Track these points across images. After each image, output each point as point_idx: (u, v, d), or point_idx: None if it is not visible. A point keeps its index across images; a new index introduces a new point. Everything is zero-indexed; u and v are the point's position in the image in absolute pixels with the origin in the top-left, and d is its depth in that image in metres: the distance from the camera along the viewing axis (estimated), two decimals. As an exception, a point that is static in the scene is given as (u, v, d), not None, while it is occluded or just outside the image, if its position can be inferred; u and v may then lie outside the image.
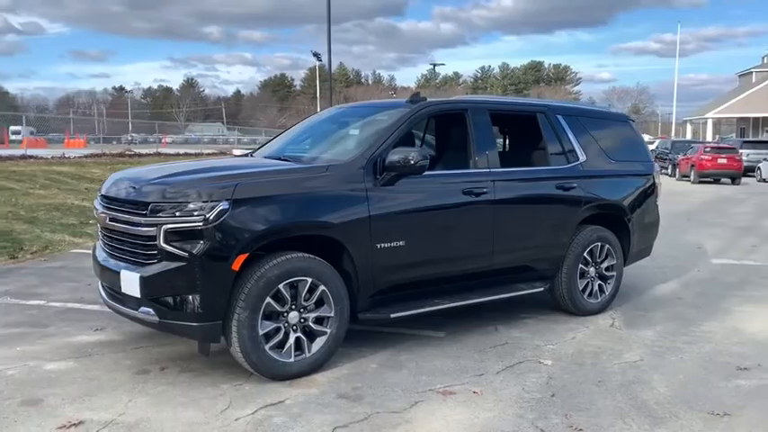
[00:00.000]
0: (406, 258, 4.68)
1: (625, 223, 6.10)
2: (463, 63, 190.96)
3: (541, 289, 5.57)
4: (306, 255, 4.21)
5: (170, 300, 3.94)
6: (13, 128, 37.27)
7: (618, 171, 6.10)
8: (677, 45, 61.88)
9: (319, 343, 4.32)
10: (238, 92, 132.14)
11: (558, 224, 5.59)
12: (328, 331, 4.34)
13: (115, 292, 4.29)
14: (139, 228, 4.02)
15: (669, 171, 29.76)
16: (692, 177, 25.72)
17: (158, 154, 25.00)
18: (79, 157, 20.45)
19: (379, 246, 4.51)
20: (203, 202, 3.91)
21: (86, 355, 4.62)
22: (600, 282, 5.97)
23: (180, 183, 4.09)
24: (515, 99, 5.97)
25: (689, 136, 53.88)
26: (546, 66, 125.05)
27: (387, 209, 4.55)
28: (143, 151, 28.63)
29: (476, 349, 4.93)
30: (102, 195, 4.56)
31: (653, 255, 6.94)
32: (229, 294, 3.95)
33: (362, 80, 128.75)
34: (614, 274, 6.04)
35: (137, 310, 4.06)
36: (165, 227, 3.90)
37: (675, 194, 19.62)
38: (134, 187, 4.19)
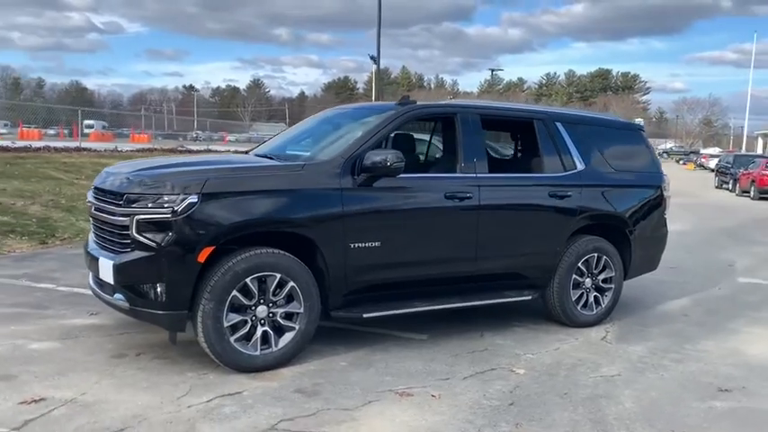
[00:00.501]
0: (382, 259, 4.72)
1: (626, 235, 5.95)
2: (529, 69, 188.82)
3: (529, 297, 5.49)
4: (275, 251, 4.31)
5: (139, 288, 4.11)
6: (86, 122, 39.06)
7: (621, 181, 5.95)
8: (752, 55, 59.37)
9: (287, 338, 4.41)
10: (302, 93, 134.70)
11: (550, 232, 5.51)
12: (297, 327, 4.43)
13: (98, 279, 4.50)
14: (115, 217, 4.21)
15: (730, 186, 28.55)
16: (751, 193, 24.60)
17: (209, 150, 25.72)
18: (131, 152, 21.24)
19: (352, 245, 4.56)
20: (174, 194, 4.07)
21: (73, 336, 4.85)
22: (596, 294, 5.84)
23: (155, 176, 4.26)
24: (512, 105, 5.92)
25: (759, 150, 51.51)
26: (614, 74, 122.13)
27: (362, 209, 4.61)
28: (194, 147, 29.50)
29: (452, 353, 4.92)
30: (93, 187, 4.79)
31: (676, 269, 6.73)
32: (194, 285, 4.08)
33: (424, 84, 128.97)
34: (612, 286, 5.89)
35: (112, 296, 4.26)
36: (137, 217, 4.07)
37: (728, 210, 18.87)
38: (116, 179, 4.39)
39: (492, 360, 4.83)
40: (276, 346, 4.37)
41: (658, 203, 6.23)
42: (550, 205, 5.50)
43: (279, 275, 4.31)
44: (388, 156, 4.53)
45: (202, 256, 4.07)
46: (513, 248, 5.35)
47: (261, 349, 4.32)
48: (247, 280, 4.21)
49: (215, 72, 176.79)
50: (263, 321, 4.33)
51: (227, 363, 4.24)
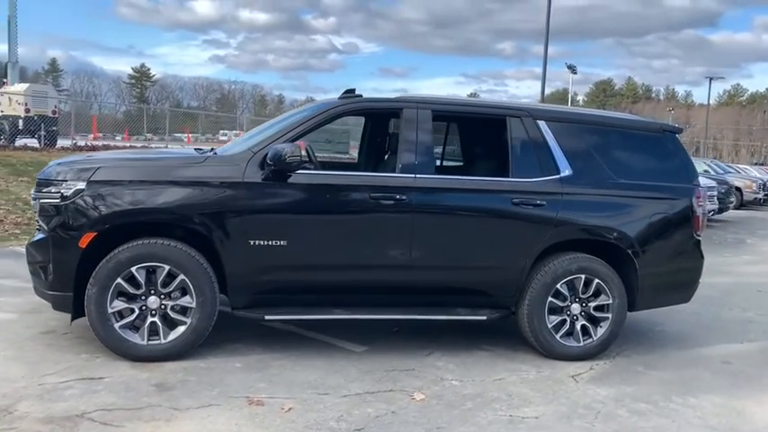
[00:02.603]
0: (290, 260, 4.47)
1: (629, 256, 4.93)
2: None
3: (485, 318, 4.80)
4: (164, 242, 4.30)
5: (37, 267, 4.38)
6: (221, 131, 40.96)
7: (624, 191, 4.95)
8: None
9: (178, 332, 4.37)
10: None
11: (513, 245, 4.77)
12: (188, 321, 4.37)
13: None
14: (33, 202, 4.54)
15: None
16: None
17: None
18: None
19: (252, 242, 4.39)
20: (67, 181, 4.27)
21: (36, 311, 5.29)
22: (587, 323, 4.92)
23: (64, 164, 4.50)
24: (481, 101, 5.20)
25: None
26: None
27: (266, 205, 4.42)
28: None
29: (370, 369, 4.48)
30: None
31: (744, 304, 5.45)
32: (76, 270, 4.23)
33: (652, 96, 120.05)
34: (608, 316, 4.91)
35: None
36: (39, 202, 4.35)
37: None
38: (45, 169, 4.73)
39: (404, 381, 4.31)
40: (165, 338, 4.35)
41: (683, 220, 5.06)
42: (514, 214, 4.76)
43: (167, 267, 4.29)
44: (285, 149, 4.29)
45: (84, 242, 4.21)
46: (461, 260, 4.73)
47: (148, 339, 4.34)
48: (133, 269, 4.25)
49: (439, 87, 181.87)
50: (153, 312, 4.34)
51: (112, 348, 4.32)
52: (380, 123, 6.08)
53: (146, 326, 4.33)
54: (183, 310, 4.39)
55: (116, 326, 4.29)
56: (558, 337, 4.87)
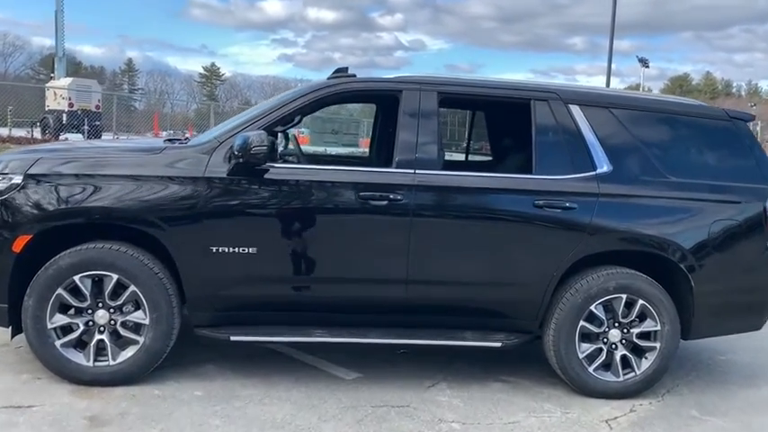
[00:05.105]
0: (261, 271, 3.76)
1: (681, 272, 3.99)
2: None
3: (498, 345, 3.95)
4: (112, 246, 3.64)
5: (-28, 274, 3.79)
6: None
7: (678, 192, 4.01)
8: None
9: (129, 352, 3.71)
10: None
11: (535, 257, 3.91)
12: (141, 341, 3.70)
13: None
14: None
15: None
16: None
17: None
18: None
19: (214, 249, 3.68)
20: (4, 174, 3.66)
21: None
22: (628, 353, 4.01)
23: (5, 155, 3.90)
24: (500, 81, 4.28)
25: None
26: None
27: (231, 205, 3.70)
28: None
29: (354, 405, 3.70)
30: None
31: None
32: (10, 277, 3.61)
33: (733, 91, 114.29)
34: (656, 345, 3.99)
35: None
36: (-25, 197, 3.76)
37: None
38: None
39: (392, 422, 3.53)
40: (114, 359, 3.70)
41: (754, 228, 4.06)
42: (537, 218, 3.89)
43: (116, 277, 3.63)
44: (251, 137, 3.56)
45: (18, 245, 3.58)
46: (469, 274, 3.89)
47: (95, 360, 3.69)
48: (76, 278, 3.61)
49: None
50: (101, 328, 3.69)
51: (52, 369, 3.69)
52: (392, 111, 5.28)
53: (92, 344, 3.68)
54: (137, 327, 3.73)
55: (57, 344, 3.65)
56: (591, 369, 3.97)
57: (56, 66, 24.73)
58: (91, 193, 3.62)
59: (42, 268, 3.60)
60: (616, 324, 3.99)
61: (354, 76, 4.06)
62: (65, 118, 20.46)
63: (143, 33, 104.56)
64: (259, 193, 3.73)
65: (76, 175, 3.65)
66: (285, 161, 4.01)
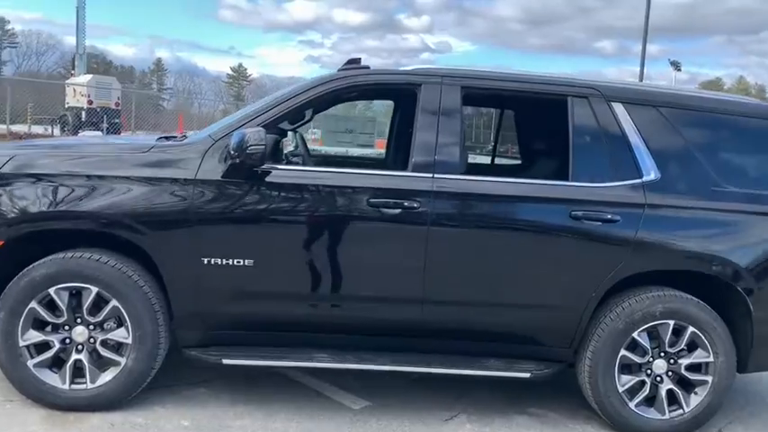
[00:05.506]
0: (258, 286, 3.33)
1: (739, 295, 3.48)
2: None
3: (527, 375, 3.47)
4: (93, 256, 3.24)
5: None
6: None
7: (736, 203, 3.51)
8: None
9: (110, 374, 3.31)
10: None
11: (571, 276, 3.43)
12: (123, 362, 3.29)
13: None
14: None
15: None
16: None
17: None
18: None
19: (206, 261, 3.27)
20: None
21: None
22: (675, 387, 3.51)
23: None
24: (533, 75, 3.79)
25: None
26: None
27: (226, 211, 3.28)
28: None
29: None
30: None
31: None
32: None
33: (767, 96, 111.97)
34: (707, 379, 3.49)
35: None
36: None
37: None
38: None
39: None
40: (93, 382, 3.29)
41: (824, 249, 3.55)
42: (574, 231, 3.41)
43: (95, 289, 3.23)
44: (247, 135, 3.13)
45: (-13, 252, 3.20)
46: (494, 294, 3.43)
47: (72, 383, 3.29)
48: (51, 290, 3.21)
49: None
50: (80, 347, 3.29)
51: (24, 392, 3.30)
52: (410, 108, 4.83)
53: (68, 365, 3.28)
54: (119, 347, 3.32)
55: (29, 363, 3.26)
56: (632, 405, 3.48)
57: (76, 63, 24.68)
58: (66, 196, 3.22)
59: (14, 279, 3.21)
60: (662, 354, 3.49)
61: (368, 67, 3.62)
62: (84, 115, 20.33)
63: (174, 34, 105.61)
64: (256, 198, 3.30)
65: (51, 175, 3.26)
66: (289, 162, 3.58)
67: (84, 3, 24.15)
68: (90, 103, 20.53)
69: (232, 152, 3.18)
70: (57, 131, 20.22)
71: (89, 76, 22.61)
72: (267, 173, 3.31)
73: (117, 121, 20.80)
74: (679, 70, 49.36)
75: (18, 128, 18.38)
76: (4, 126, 17.78)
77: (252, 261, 3.29)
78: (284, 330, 3.45)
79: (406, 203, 3.31)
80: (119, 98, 22.07)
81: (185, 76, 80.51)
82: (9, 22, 64.11)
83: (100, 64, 51.93)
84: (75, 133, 18.75)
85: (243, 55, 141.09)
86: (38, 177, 3.25)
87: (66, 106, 21.52)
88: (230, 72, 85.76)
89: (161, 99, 51.02)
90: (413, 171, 3.40)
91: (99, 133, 19.05)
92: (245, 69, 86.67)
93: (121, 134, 19.94)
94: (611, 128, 3.53)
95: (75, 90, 21.27)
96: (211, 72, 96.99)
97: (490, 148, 5.18)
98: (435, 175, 3.36)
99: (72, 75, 24.74)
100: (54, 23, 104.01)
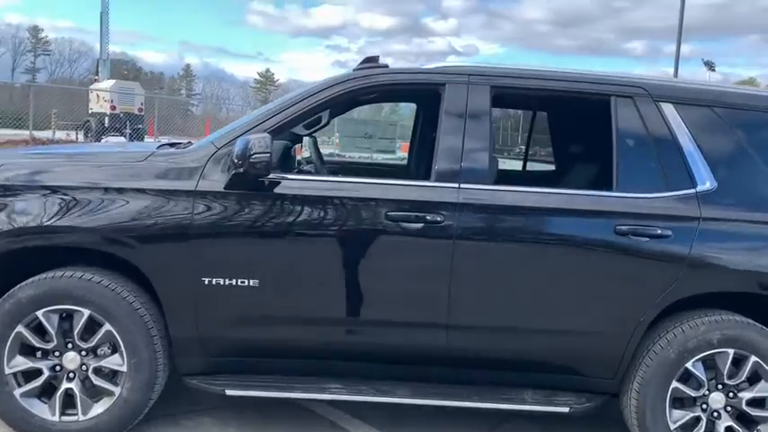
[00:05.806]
0: (264, 308, 3.02)
1: (810, 322, 3.06)
2: None
3: (566, 410, 3.09)
4: (84, 275, 2.95)
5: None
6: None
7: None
8: None
9: (103, 405, 3.01)
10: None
11: (615, 298, 3.05)
12: (117, 392, 2.99)
13: None
14: None
15: None
16: None
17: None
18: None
19: (207, 281, 2.96)
20: None
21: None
22: (734, 423, 3.10)
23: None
24: (571, 73, 3.38)
25: None
26: None
27: (228, 226, 2.97)
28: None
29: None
30: None
31: None
32: None
33: None
34: (772, 415, 3.08)
35: None
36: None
37: None
38: None
39: None
40: (84, 413, 3.00)
41: None
42: (619, 248, 3.02)
43: (87, 312, 2.94)
44: (251, 142, 2.82)
45: (-30, 272, 2.93)
46: (528, 319, 3.06)
47: (62, 414, 3.00)
48: (39, 313, 2.93)
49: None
50: (71, 375, 3.00)
51: (11, 424, 3.02)
52: (435, 111, 4.49)
53: (58, 394, 3.00)
54: (113, 375, 3.02)
55: (16, 393, 2.98)
56: (684, 442, 3.08)
57: (99, 68, 24.76)
58: (55, 209, 2.93)
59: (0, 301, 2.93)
60: (719, 386, 3.08)
61: (386, 66, 3.28)
62: (107, 121, 20.32)
63: (202, 40, 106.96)
64: (262, 211, 2.98)
65: (41, 187, 2.98)
66: (300, 171, 3.26)
67: (108, 9, 24.29)
68: (113, 108, 20.52)
69: (235, 160, 2.87)
70: (80, 137, 20.24)
71: (112, 82, 22.64)
72: (274, 183, 2.99)
73: (140, 126, 20.77)
74: (713, 70, 48.21)
75: (42, 134, 18.44)
76: (27, 132, 17.83)
77: (257, 281, 2.97)
78: (293, 357, 3.12)
79: (428, 217, 2.96)
80: (142, 103, 22.07)
81: (213, 82, 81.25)
82: (42, 30, 65.30)
83: (130, 70, 52.45)
84: (99, 139, 18.73)
85: (270, 60, 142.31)
86: (24, 188, 2.98)
87: (90, 112, 21.55)
88: (258, 77, 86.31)
89: (190, 104, 51.50)
90: (436, 180, 3.05)
91: (122, 139, 19.02)
92: (273, 74, 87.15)
93: (145, 140, 19.92)
94: (659, 131, 3.14)
95: (98, 96, 21.30)
96: (239, 77, 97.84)
97: (518, 152, 4.79)
98: (461, 185, 3.01)
99: (96, 80, 24.86)
100: (86, 31, 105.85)
